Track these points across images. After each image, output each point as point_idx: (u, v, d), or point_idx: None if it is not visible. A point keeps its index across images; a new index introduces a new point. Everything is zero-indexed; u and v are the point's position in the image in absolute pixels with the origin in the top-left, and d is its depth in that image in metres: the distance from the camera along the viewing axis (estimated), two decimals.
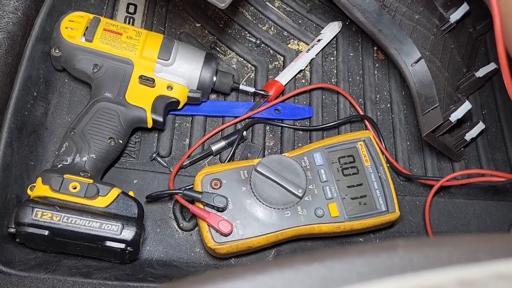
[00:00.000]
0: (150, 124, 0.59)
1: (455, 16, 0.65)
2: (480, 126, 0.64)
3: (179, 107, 0.62)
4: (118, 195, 0.51)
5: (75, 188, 0.50)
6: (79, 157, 0.54)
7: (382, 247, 0.21)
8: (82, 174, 0.52)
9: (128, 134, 0.58)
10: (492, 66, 0.69)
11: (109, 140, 0.56)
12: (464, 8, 0.66)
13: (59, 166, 0.53)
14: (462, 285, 0.18)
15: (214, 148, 0.62)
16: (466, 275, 0.18)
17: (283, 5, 0.74)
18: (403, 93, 0.70)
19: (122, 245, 0.49)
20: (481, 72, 0.68)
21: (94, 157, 0.54)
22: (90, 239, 0.49)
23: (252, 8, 0.73)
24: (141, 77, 0.58)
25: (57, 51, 0.59)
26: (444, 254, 0.20)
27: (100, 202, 0.50)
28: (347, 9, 0.60)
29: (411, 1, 0.64)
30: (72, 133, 0.56)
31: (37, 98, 0.58)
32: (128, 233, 0.49)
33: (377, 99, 0.70)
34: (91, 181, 0.51)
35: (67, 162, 0.53)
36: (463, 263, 0.19)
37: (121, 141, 0.57)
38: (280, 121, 0.66)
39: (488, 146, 0.68)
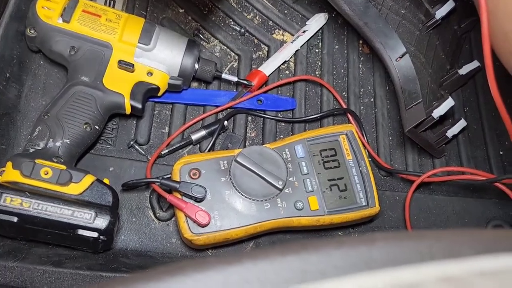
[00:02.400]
0: (128, 111, 0.57)
1: (440, 12, 0.65)
2: (462, 124, 0.64)
3: (159, 94, 0.60)
4: (92, 182, 0.50)
5: (47, 174, 0.48)
6: (52, 142, 0.52)
7: (361, 240, 0.20)
8: (55, 160, 0.50)
9: (105, 120, 0.56)
10: (475, 64, 0.69)
11: (84, 126, 0.54)
12: (449, 4, 0.65)
13: (31, 150, 0.51)
14: (443, 281, 0.17)
15: (194, 137, 0.61)
16: (448, 271, 0.17)
17: None
18: (387, 88, 0.70)
19: (95, 234, 0.47)
20: (464, 70, 0.68)
21: (68, 142, 0.52)
22: (62, 227, 0.47)
23: None
24: (120, 61, 0.57)
25: (33, 32, 0.57)
26: (425, 248, 0.19)
27: (73, 189, 0.49)
28: (333, 1, 0.59)
29: None
30: (46, 117, 0.53)
31: (10, 80, 0.56)
32: (102, 222, 0.47)
33: (361, 93, 0.69)
34: (64, 167, 0.49)
35: (39, 146, 0.51)
36: (445, 258, 0.18)
37: (97, 127, 0.55)
38: (263, 112, 0.65)
39: (468, 143, 0.69)
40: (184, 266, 0.20)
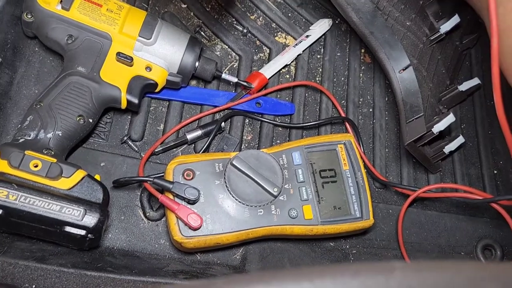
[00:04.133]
0: (124, 105, 0.55)
1: (445, 27, 0.65)
2: (460, 140, 0.64)
3: (157, 90, 0.59)
4: (83, 177, 0.48)
5: (36, 166, 0.47)
6: (43, 133, 0.50)
7: (378, 269, 0.19)
8: (45, 152, 0.49)
9: (100, 113, 0.55)
10: (475, 81, 0.69)
11: (78, 118, 0.52)
12: (455, 20, 0.65)
13: (21, 140, 0.49)
14: None
15: (190, 136, 0.60)
16: None
17: None
18: (386, 99, 0.70)
19: (83, 232, 0.45)
20: (464, 86, 0.68)
21: (60, 134, 0.51)
22: (48, 223, 0.45)
23: None
24: (118, 54, 0.55)
25: (29, 16, 0.55)
26: (445, 281, 0.18)
27: (63, 184, 0.47)
28: (341, 7, 0.58)
29: (404, 7, 0.62)
30: (38, 106, 0.52)
31: (2, 65, 0.54)
32: (91, 219, 0.46)
33: (360, 102, 0.69)
34: (55, 160, 0.48)
35: (30, 137, 0.49)
36: None
37: (91, 120, 0.53)
38: (260, 115, 0.64)
39: (464, 160, 0.68)
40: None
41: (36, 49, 0.59)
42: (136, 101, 0.55)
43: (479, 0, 0.44)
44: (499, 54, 0.40)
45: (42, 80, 0.58)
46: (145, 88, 0.57)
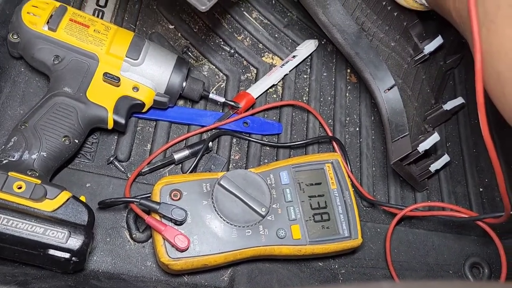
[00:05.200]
0: (110, 125, 0.55)
1: (429, 47, 0.66)
2: (445, 159, 0.64)
3: (144, 110, 0.59)
4: (68, 199, 0.47)
5: (20, 188, 0.46)
6: (28, 154, 0.49)
7: None
8: (30, 173, 0.48)
9: (86, 133, 0.54)
10: (459, 101, 0.70)
11: (63, 139, 0.52)
12: (438, 40, 0.66)
13: (4, 161, 0.48)
14: None
15: (177, 156, 0.59)
16: None
17: (260, 17, 0.72)
18: (372, 118, 0.70)
19: (67, 255, 0.44)
20: (448, 105, 0.69)
21: (45, 155, 0.50)
22: (32, 246, 0.44)
23: (229, 16, 0.71)
24: (105, 74, 0.55)
25: (15, 37, 0.54)
26: None
27: (47, 206, 0.46)
28: (326, 29, 0.59)
29: (388, 28, 0.64)
30: (23, 127, 0.51)
31: None
32: (75, 242, 0.45)
33: (347, 121, 0.69)
34: (39, 181, 0.47)
35: (13, 158, 0.49)
36: None
37: (76, 141, 0.53)
38: (248, 135, 0.64)
39: (450, 178, 0.69)
40: None
41: (22, 69, 0.58)
42: (123, 121, 0.55)
43: (462, 22, 0.46)
44: (483, 74, 0.41)
45: (28, 101, 0.57)
46: (132, 108, 0.57)
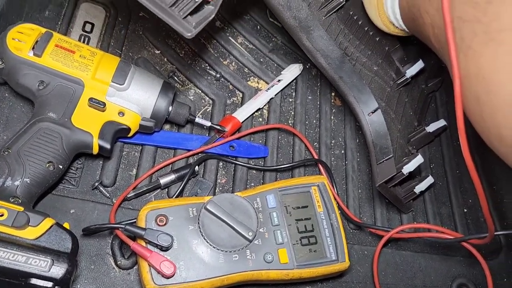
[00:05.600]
0: (95, 151, 0.55)
1: (411, 71, 0.67)
2: (429, 180, 0.65)
3: (130, 135, 0.58)
4: (51, 226, 0.46)
5: (1, 215, 0.45)
6: (10, 181, 0.49)
7: None
8: (12, 200, 0.47)
9: (70, 159, 0.54)
10: (441, 123, 0.71)
11: (47, 164, 0.51)
12: (419, 65, 0.68)
13: None
14: None
15: (163, 181, 0.59)
16: None
17: (246, 42, 0.74)
18: (357, 140, 0.71)
19: (50, 284, 0.43)
20: (431, 128, 0.70)
21: (29, 181, 0.49)
22: (13, 275, 0.43)
23: (215, 41, 0.72)
24: (91, 99, 0.55)
25: (0, 63, 0.54)
26: None
27: (30, 233, 0.45)
28: (311, 54, 0.60)
29: (371, 53, 0.65)
30: (6, 153, 0.50)
31: None
32: (58, 270, 0.44)
33: (332, 144, 0.70)
34: (22, 208, 0.46)
35: None
36: None
37: (61, 166, 0.52)
38: (234, 158, 0.64)
39: (434, 200, 0.70)
40: None
41: (6, 95, 0.58)
42: (108, 146, 0.55)
43: (441, 47, 0.47)
44: (462, 98, 0.42)
45: (11, 126, 0.57)
46: (117, 133, 0.56)
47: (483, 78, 0.37)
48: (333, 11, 0.60)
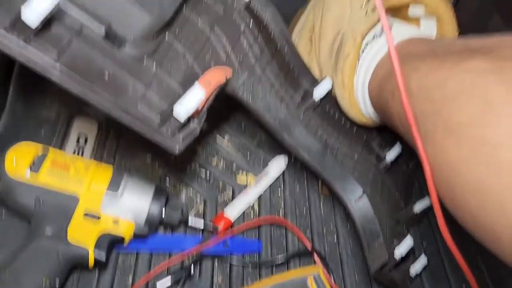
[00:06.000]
0: (91, 264, 0.55)
1: (390, 156, 0.71)
2: (423, 261, 0.66)
3: (125, 244, 0.60)
4: None
5: None
6: None
7: None
8: None
9: (66, 273, 0.54)
10: (427, 201, 0.73)
11: (44, 280, 0.51)
12: (397, 149, 0.72)
13: None
14: None
15: (159, 285, 0.59)
16: None
17: (232, 139, 0.78)
18: (348, 227, 0.73)
19: None
20: (418, 207, 0.72)
21: None
22: None
23: (203, 141, 0.76)
24: (86, 213, 0.57)
25: None
26: None
27: None
28: (293, 149, 0.64)
29: (350, 143, 0.69)
30: (1, 271, 0.51)
31: None
32: None
33: (324, 232, 0.71)
34: None
35: None
36: None
37: (57, 281, 0.53)
38: (229, 256, 0.65)
39: (431, 278, 0.70)
40: None
41: (3, 210, 0.60)
42: (103, 258, 0.55)
43: (409, 138, 0.50)
44: (436, 186, 0.44)
45: (7, 244, 0.57)
46: (112, 244, 0.58)
47: (450, 169, 0.40)
48: (310, 109, 0.65)
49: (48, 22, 0.39)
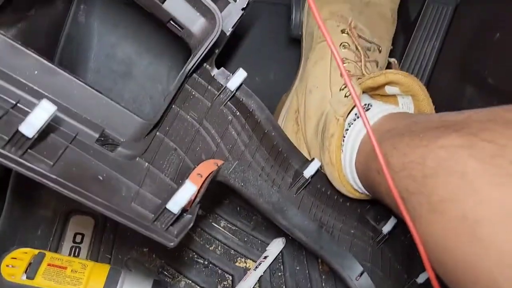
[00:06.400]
0: None
1: (386, 228, 0.71)
2: None
3: None
4: None
5: None
6: None
7: None
8: None
9: None
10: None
11: None
12: (392, 220, 0.72)
13: None
14: None
15: None
16: None
17: (228, 225, 0.78)
18: None
19: None
20: (421, 278, 0.71)
21: None
22: None
23: (199, 229, 0.76)
24: None
25: None
26: None
27: None
28: (288, 230, 0.64)
29: (345, 218, 0.69)
30: None
31: None
32: None
33: None
34: None
35: None
36: None
37: None
38: None
39: None
40: None
41: None
42: None
43: (398, 214, 0.51)
44: (429, 259, 0.45)
45: None
46: None
47: (438, 246, 0.41)
48: (302, 188, 0.66)
49: (44, 132, 0.41)
